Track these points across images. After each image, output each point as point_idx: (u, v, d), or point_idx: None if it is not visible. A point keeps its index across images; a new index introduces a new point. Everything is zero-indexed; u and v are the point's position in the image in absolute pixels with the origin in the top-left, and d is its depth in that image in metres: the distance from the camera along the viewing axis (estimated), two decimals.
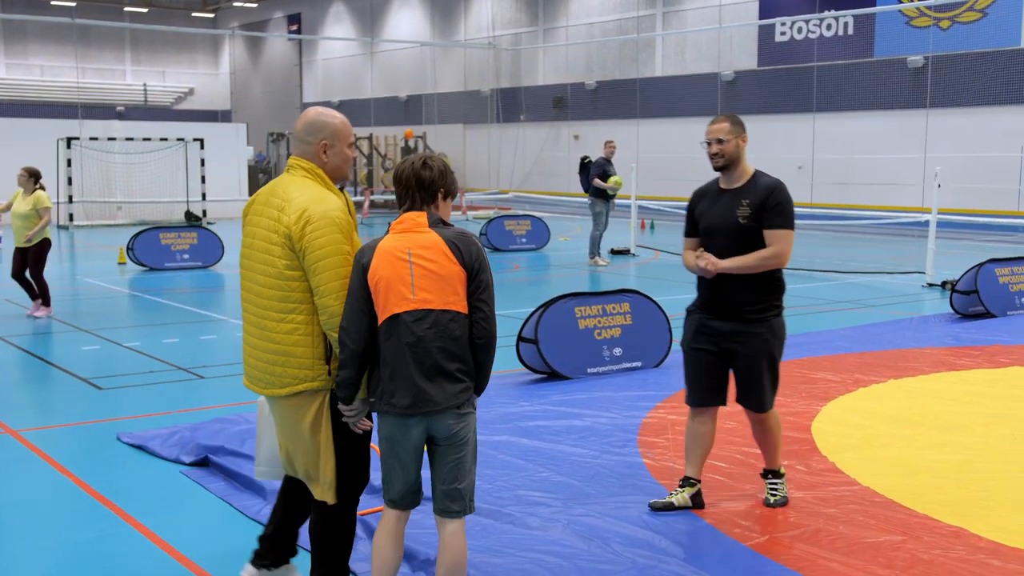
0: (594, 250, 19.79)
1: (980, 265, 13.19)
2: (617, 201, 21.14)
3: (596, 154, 20.22)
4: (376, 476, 5.04)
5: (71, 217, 29.08)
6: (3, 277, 15.08)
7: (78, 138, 29.91)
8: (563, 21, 42.82)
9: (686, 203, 6.22)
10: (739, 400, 5.97)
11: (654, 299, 10.16)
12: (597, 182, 19.35)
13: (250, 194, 34.64)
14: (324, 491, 4.50)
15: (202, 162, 31.17)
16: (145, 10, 58.34)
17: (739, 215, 5.75)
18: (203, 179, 31.22)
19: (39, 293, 13.38)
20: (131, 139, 31.11)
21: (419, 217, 4.26)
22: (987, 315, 12.90)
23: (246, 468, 6.71)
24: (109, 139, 30.71)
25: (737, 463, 6.86)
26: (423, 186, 4.28)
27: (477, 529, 5.59)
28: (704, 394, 5.99)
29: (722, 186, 5.94)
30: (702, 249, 5.88)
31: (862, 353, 10.60)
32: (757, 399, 5.88)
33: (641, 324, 9.92)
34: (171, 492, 6.61)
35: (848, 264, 20.25)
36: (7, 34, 56.58)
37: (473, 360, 4.28)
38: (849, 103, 32.19)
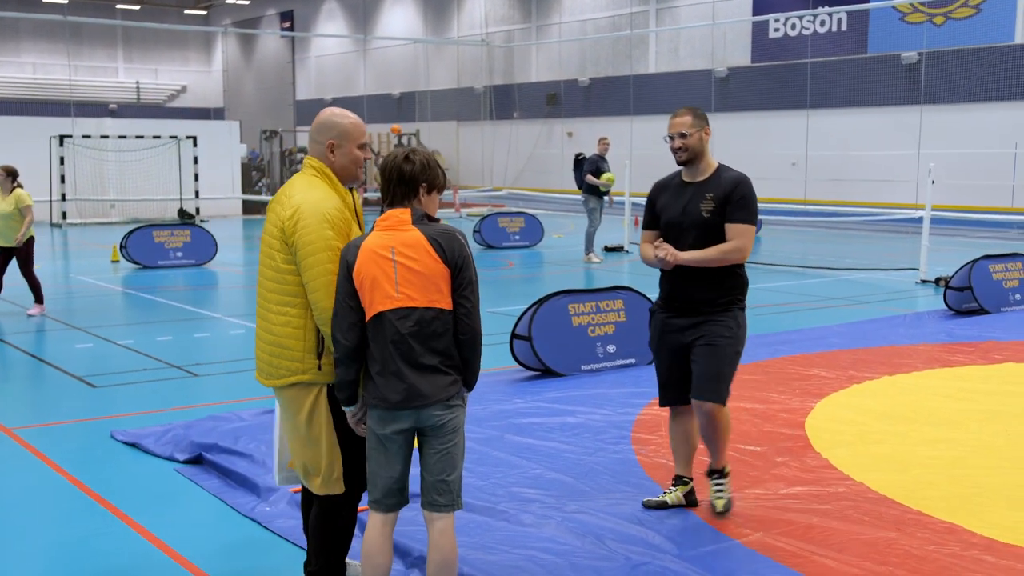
0: (588, 247, 19.80)
1: (974, 261, 13.21)
2: (615, 198, 21.13)
3: (590, 151, 20.24)
4: None
5: (64, 215, 29.04)
6: None
7: (71, 136, 29.85)
8: (556, 18, 42.78)
9: None
10: (693, 394, 5.71)
11: (648, 296, 10.16)
12: (590, 179, 19.37)
13: (243, 192, 34.76)
14: (322, 485, 4.52)
15: (195, 160, 31.12)
16: (137, 7, 58.17)
17: (703, 209, 5.65)
18: (196, 177, 31.18)
19: (32, 290, 13.37)
20: (124, 137, 31.06)
21: (403, 214, 4.25)
22: (981, 311, 12.92)
23: (239, 466, 6.71)
24: (102, 137, 30.67)
25: (731, 460, 6.82)
26: (404, 180, 4.28)
27: (471, 526, 5.59)
28: (674, 394, 5.91)
29: (685, 179, 5.82)
30: (660, 240, 5.78)
31: (856, 349, 10.61)
32: (713, 388, 5.64)
33: (635, 321, 9.91)
34: (165, 489, 6.60)
35: (842, 261, 20.27)
36: None
37: (460, 357, 4.27)
38: (843, 99, 32.19)
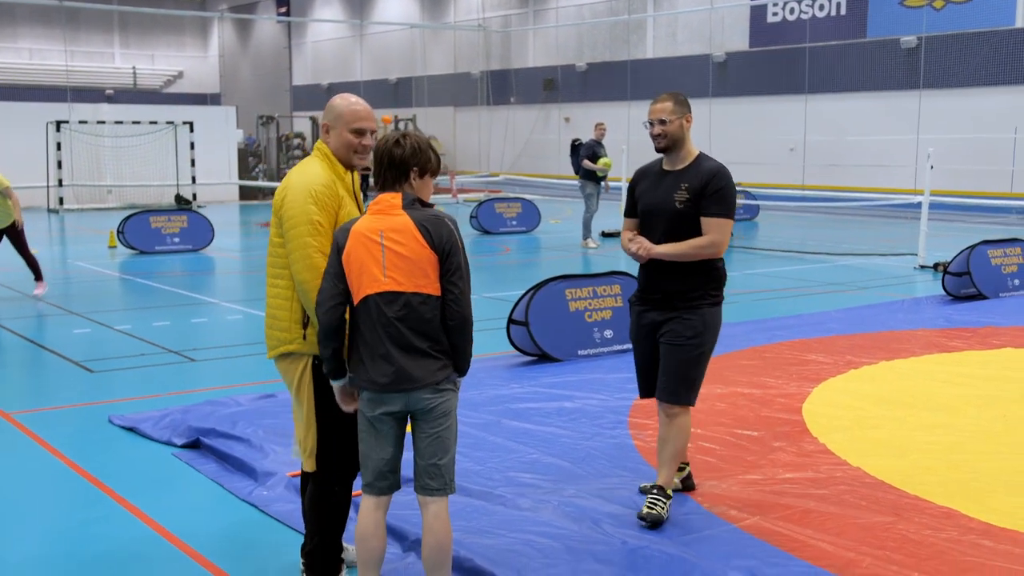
0: (585, 232, 19.80)
1: (973, 247, 13.21)
2: (612, 184, 21.11)
3: (587, 136, 20.22)
4: None
5: (61, 201, 28.99)
6: None
7: (67, 121, 29.80)
8: (553, 3, 42.66)
9: None
10: (657, 394, 5.65)
11: None
12: (587, 164, 19.36)
13: (240, 177, 34.72)
14: (306, 459, 4.62)
15: (192, 145, 31.08)
16: None
17: (676, 200, 5.49)
18: (193, 162, 31.14)
19: (30, 266, 13.49)
20: (120, 122, 31.01)
21: (394, 199, 4.25)
22: (979, 297, 12.92)
23: (237, 450, 6.72)
24: (98, 123, 30.62)
25: (728, 445, 6.87)
26: (394, 164, 4.27)
27: (468, 510, 5.59)
28: (648, 385, 5.81)
29: (665, 167, 5.67)
30: (635, 232, 5.67)
31: (854, 335, 10.62)
32: (673, 390, 5.53)
33: None
34: (162, 474, 6.61)
35: (840, 246, 20.27)
36: None
37: (449, 343, 4.27)
38: (842, 84, 32.13)
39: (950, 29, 29.64)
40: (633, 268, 11.05)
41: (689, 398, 5.57)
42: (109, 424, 7.65)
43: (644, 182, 5.76)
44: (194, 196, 30.99)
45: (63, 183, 29.17)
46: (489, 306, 12.60)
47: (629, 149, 23.19)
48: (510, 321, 9.53)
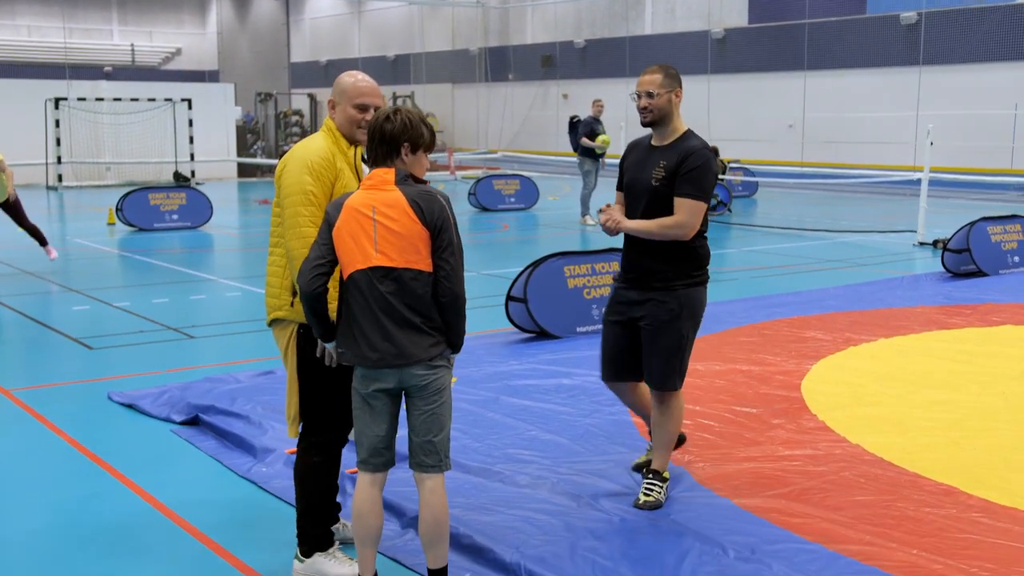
0: (584, 209, 19.77)
1: (972, 223, 13.19)
2: (609, 161, 21.06)
3: (585, 113, 20.16)
4: None
5: (60, 178, 28.92)
6: None
7: (66, 99, 29.68)
8: None
9: None
10: (645, 379, 5.51)
11: None
12: (585, 141, 19.32)
13: (238, 155, 34.64)
14: (290, 426, 4.72)
15: (190, 122, 30.97)
16: None
17: (653, 176, 5.31)
18: (191, 139, 31.04)
19: (32, 234, 13.64)
20: (119, 99, 30.89)
21: (387, 174, 4.23)
22: (979, 274, 12.91)
23: (236, 427, 6.73)
24: (97, 100, 30.50)
25: (727, 422, 6.87)
26: (384, 139, 4.24)
27: (467, 487, 5.60)
28: (612, 369, 5.65)
29: (652, 143, 5.48)
30: (608, 204, 5.49)
31: (852, 312, 10.61)
32: (653, 374, 5.42)
33: None
34: (162, 450, 6.61)
35: (839, 223, 20.25)
36: None
37: (442, 319, 4.25)
38: (841, 61, 32.04)
39: (950, 5, 29.55)
40: None
41: (675, 383, 5.45)
42: (108, 401, 7.65)
43: (632, 155, 5.62)
44: (193, 173, 30.91)
45: (62, 160, 29.08)
46: (487, 283, 12.58)
47: (627, 126, 23.11)
48: (508, 298, 9.52)
